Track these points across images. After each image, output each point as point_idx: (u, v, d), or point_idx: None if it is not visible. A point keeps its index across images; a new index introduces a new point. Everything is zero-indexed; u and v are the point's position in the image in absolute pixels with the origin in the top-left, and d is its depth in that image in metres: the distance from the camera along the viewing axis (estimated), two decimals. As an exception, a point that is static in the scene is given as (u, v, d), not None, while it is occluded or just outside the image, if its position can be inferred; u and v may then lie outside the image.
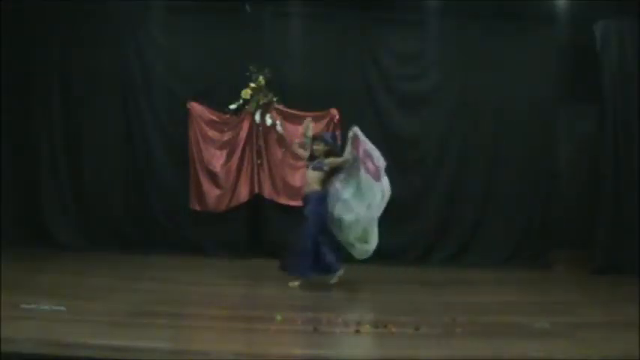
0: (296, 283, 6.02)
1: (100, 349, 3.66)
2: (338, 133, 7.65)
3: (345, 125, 7.74)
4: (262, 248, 7.86)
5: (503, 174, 8.10)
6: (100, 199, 7.87)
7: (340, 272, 6.06)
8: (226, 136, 7.86)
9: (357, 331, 4.23)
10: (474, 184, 8.09)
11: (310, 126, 6.62)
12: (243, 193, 7.81)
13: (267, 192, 7.79)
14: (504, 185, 8.09)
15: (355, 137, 6.34)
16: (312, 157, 6.41)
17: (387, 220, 7.96)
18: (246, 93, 7.68)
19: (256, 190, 7.73)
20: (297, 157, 7.21)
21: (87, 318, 4.39)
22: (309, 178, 6.33)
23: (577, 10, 7.55)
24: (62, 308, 4.58)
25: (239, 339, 4.24)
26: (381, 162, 6.17)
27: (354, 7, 7.89)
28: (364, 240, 6.11)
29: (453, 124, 8.11)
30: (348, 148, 6.36)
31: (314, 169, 6.31)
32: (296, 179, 7.67)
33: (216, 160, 7.84)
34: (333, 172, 6.32)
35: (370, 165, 6.20)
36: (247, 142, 7.82)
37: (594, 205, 7.86)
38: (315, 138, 6.48)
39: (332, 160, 6.32)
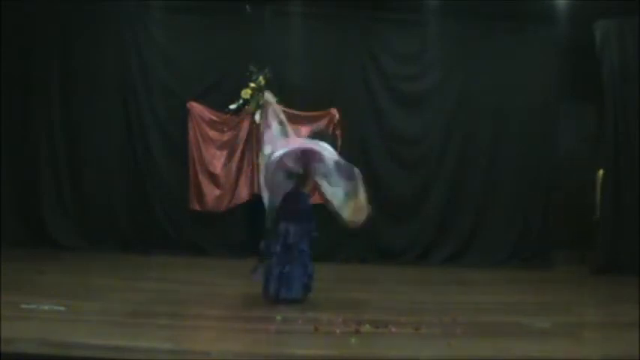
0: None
1: (100, 349, 3.65)
2: (338, 133, 7.67)
3: (345, 125, 7.77)
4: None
5: (503, 174, 8.11)
6: (100, 199, 7.88)
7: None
8: (226, 136, 7.87)
9: (357, 331, 4.23)
10: (473, 184, 8.09)
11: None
12: (243, 193, 7.82)
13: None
14: (504, 185, 8.10)
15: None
16: None
17: (388, 220, 8.04)
18: (246, 93, 7.68)
19: (256, 190, 7.72)
20: None
21: (87, 318, 4.38)
22: None
23: (577, 10, 7.56)
24: (62, 308, 4.57)
25: (239, 339, 4.23)
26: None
27: (354, 7, 7.90)
28: None
29: (453, 124, 8.12)
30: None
31: None
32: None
33: (216, 160, 7.84)
34: None
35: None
36: (247, 142, 7.82)
37: (594, 205, 7.87)
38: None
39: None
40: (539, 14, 7.72)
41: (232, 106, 7.76)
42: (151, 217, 7.89)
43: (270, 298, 5.09)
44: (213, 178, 7.84)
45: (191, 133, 7.81)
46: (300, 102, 7.73)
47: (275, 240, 5.15)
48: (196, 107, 7.83)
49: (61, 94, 7.91)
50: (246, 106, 7.75)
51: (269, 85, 7.67)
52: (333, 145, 6.25)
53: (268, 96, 5.82)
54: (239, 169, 7.85)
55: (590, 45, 7.56)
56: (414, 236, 8.05)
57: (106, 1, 7.81)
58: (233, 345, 4.03)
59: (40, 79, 7.90)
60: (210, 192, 7.82)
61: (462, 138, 8.11)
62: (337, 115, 7.75)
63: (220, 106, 7.81)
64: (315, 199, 5.53)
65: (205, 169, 7.83)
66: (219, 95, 7.85)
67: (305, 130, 7.48)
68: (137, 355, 3.62)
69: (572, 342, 4.30)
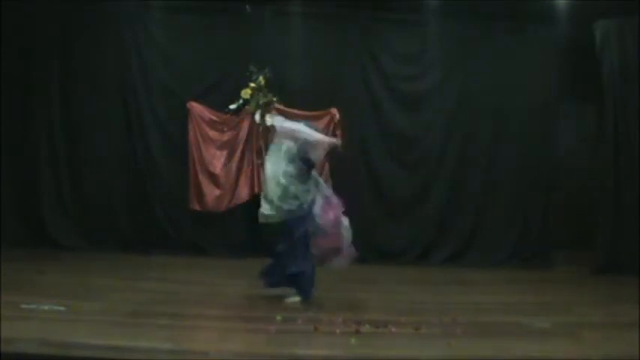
0: (296, 299, 5.30)
1: (100, 349, 3.65)
2: (338, 133, 7.67)
3: (345, 125, 7.77)
4: (262, 248, 7.86)
5: (503, 174, 8.11)
6: (100, 200, 7.88)
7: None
8: (226, 136, 7.87)
9: (357, 331, 4.23)
10: (473, 184, 8.09)
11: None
12: (243, 193, 7.82)
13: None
14: (504, 185, 8.10)
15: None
16: None
17: (388, 219, 8.05)
18: (246, 93, 7.64)
19: (256, 190, 7.72)
20: None
21: (87, 318, 4.38)
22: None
23: (577, 10, 7.56)
24: (62, 308, 4.58)
25: (239, 339, 4.23)
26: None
27: (354, 7, 7.90)
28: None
29: (453, 124, 8.12)
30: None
31: None
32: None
33: (216, 160, 7.85)
34: None
35: None
36: (247, 142, 7.83)
37: (594, 205, 7.87)
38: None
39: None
40: (539, 14, 7.71)
41: (232, 106, 7.73)
42: (151, 217, 7.89)
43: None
44: (213, 178, 7.84)
45: (191, 133, 7.80)
46: (300, 102, 7.72)
47: (292, 241, 5.21)
48: (196, 107, 7.83)
49: (61, 94, 7.90)
50: (246, 106, 7.73)
51: (269, 85, 7.66)
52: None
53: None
54: (239, 169, 7.85)
55: (590, 45, 7.56)
56: (414, 236, 8.04)
57: (106, 1, 7.81)
58: (233, 345, 4.03)
59: (40, 79, 7.89)
60: (210, 192, 7.82)
61: (462, 138, 8.11)
62: (337, 115, 7.75)
63: (220, 106, 7.77)
64: None
65: (205, 169, 7.84)
66: (219, 95, 7.82)
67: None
68: (137, 355, 3.63)
69: (572, 342, 4.30)
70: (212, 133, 7.85)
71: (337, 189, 7.26)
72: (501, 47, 8.11)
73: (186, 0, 7.93)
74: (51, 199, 7.88)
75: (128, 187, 7.96)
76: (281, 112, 7.68)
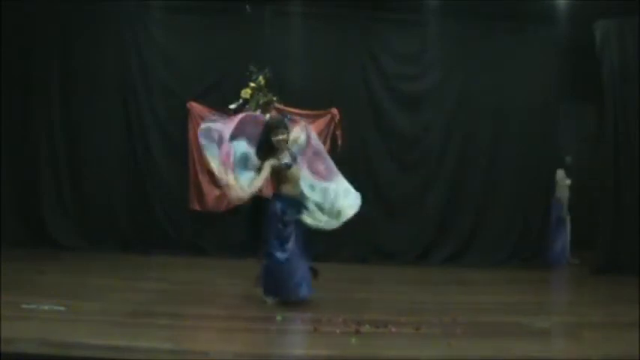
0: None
1: (100, 349, 3.65)
2: (338, 133, 7.67)
3: (345, 125, 7.77)
4: (262, 248, 7.85)
5: (503, 174, 8.11)
6: (100, 200, 7.88)
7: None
8: (226, 136, 7.86)
9: (357, 331, 4.23)
10: (473, 184, 8.09)
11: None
12: (244, 193, 7.81)
13: (267, 192, 7.77)
14: (504, 185, 8.10)
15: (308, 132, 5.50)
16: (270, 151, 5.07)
17: (388, 220, 8.04)
18: (246, 93, 7.66)
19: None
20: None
21: (87, 318, 4.38)
22: (296, 177, 5.26)
23: (577, 10, 7.56)
24: (62, 308, 4.58)
25: (239, 339, 4.23)
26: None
27: (354, 7, 7.91)
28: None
29: (453, 124, 8.12)
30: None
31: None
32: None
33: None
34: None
35: (320, 166, 5.52)
36: (247, 142, 7.82)
37: (594, 205, 7.87)
38: (277, 127, 5.12)
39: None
40: (539, 14, 7.71)
41: (232, 106, 7.74)
42: (151, 217, 7.90)
43: (290, 299, 5.05)
44: (213, 178, 7.82)
45: (191, 133, 7.80)
46: (300, 102, 7.72)
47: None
48: (196, 107, 7.82)
49: (61, 94, 7.91)
50: (246, 106, 7.73)
51: (269, 85, 7.67)
52: None
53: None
54: (239, 169, 7.84)
55: (590, 45, 7.56)
56: (414, 236, 8.04)
57: (106, 1, 7.82)
58: (233, 345, 4.03)
59: (40, 79, 7.90)
60: (210, 192, 7.82)
61: (462, 138, 8.11)
62: (337, 115, 7.75)
63: (220, 106, 7.80)
64: None
65: (205, 169, 7.83)
66: (219, 95, 7.84)
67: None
68: (137, 355, 3.63)
69: (572, 342, 4.30)
70: (212, 133, 7.83)
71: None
72: (501, 47, 8.11)
73: (186, 0, 7.93)
74: (51, 199, 7.88)
75: (128, 187, 7.96)
76: (281, 112, 7.72)
